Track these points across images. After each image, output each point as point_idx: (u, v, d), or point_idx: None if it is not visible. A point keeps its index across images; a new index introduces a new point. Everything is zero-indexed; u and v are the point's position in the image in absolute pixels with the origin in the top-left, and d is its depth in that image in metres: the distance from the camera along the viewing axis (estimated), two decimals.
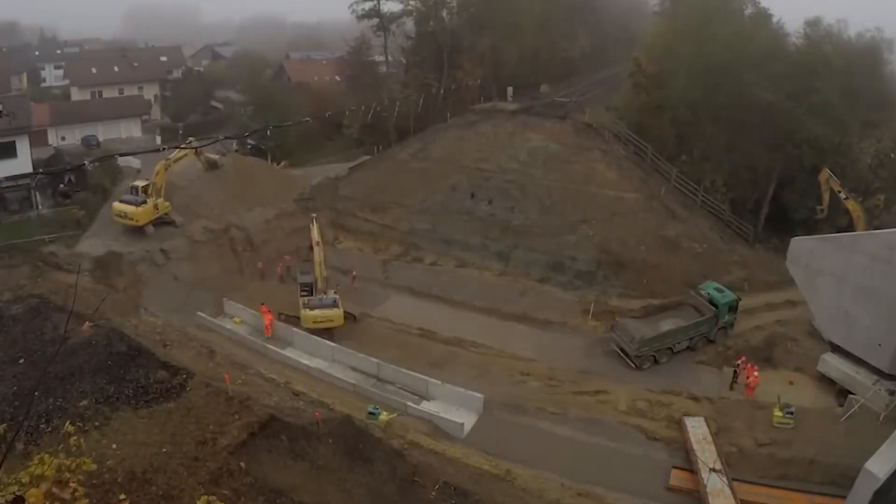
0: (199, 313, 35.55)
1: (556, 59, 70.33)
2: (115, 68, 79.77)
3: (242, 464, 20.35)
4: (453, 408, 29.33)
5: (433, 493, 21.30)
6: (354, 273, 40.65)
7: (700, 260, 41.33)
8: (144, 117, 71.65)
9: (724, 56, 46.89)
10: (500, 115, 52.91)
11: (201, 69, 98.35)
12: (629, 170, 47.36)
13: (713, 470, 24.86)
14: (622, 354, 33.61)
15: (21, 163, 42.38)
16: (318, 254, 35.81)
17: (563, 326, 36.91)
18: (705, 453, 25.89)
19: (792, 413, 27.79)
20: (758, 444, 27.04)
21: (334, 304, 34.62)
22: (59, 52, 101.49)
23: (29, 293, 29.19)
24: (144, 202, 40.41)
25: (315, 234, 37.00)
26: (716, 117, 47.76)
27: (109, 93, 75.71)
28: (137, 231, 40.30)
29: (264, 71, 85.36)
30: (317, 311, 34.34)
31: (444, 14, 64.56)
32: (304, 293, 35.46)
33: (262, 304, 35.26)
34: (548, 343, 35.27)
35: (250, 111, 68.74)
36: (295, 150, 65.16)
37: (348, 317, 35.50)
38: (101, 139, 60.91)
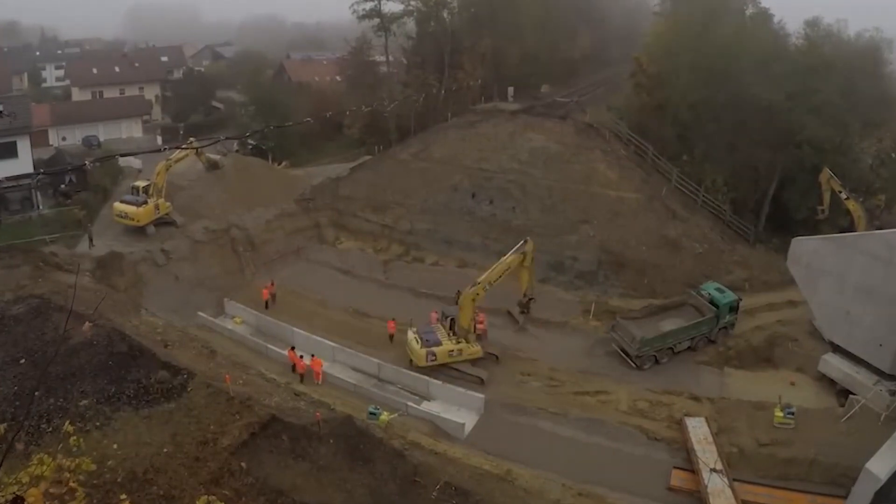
0: (200, 313, 35.61)
1: (557, 60, 70.24)
2: (116, 68, 79.69)
3: (243, 464, 20.38)
4: (454, 408, 29.38)
5: (434, 494, 21.30)
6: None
7: (701, 260, 41.33)
8: (145, 117, 71.76)
9: (724, 56, 46.85)
10: (501, 116, 52.82)
11: (202, 69, 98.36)
12: (630, 170, 47.32)
13: (714, 470, 24.87)
14: (623, 354, 33.60)
15: (22, 163, 42.48)
16: (466, 297, 31.47)
17: (564, 326, 36.91)
18: (706, 453, 25.90)
19: (793, 413, 27.79)
20: (759, 444, 27.05)
21: (428, 344, 31.63)
22: (59, 52, 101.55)
23: (30, 293, 29.18)
24: (145, 202, 40.45)
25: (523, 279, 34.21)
26: (716, 117, 47.65)
27: (110, 93, 75.71)
28: (138, 231, 40.35)
29: (265, 71, 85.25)
30: (412, 337, 32.35)
31: (445, 14, 64.35)
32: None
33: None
34: (549, 343, 35.27)
35: (251, 111, 68.60)
36: (296, 151, 65.13)
37: (489, 357, 32.99)
38: (101, 139, 61.00)
